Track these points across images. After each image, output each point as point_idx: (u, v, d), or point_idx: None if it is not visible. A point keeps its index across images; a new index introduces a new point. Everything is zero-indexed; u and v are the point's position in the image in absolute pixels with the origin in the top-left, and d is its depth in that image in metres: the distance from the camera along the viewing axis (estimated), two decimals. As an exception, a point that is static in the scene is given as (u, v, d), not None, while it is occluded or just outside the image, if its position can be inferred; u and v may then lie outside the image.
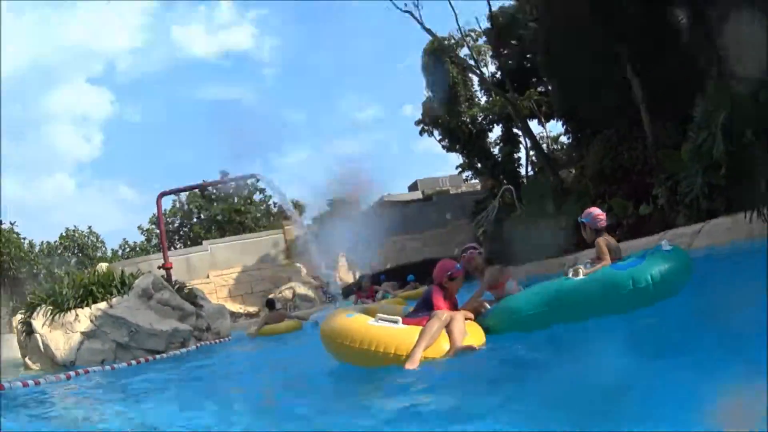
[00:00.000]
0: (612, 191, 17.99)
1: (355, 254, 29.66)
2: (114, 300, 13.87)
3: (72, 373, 10.10)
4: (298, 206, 37.84)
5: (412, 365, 5.81)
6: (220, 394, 7.07)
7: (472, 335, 6.50)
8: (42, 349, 12.94)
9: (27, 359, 13.55)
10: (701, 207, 12.30)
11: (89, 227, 49.07)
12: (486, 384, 5.13)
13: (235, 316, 19.98)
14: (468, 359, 5.98)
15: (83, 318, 13.25)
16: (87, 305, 13.68)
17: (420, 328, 6.27)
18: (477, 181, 33.91)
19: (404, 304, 11.45)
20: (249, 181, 43.26)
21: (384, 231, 29.96)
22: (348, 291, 23.06)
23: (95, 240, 49.21)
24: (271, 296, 21.36)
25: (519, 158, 29.39)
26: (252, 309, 24.93)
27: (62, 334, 13.01)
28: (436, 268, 7.24)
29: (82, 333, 13.05)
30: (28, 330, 13.51)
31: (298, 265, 28.19)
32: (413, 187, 41.76)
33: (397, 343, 6.09)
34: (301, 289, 26.00)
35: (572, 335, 6.44)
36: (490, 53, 29.39)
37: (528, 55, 27.83)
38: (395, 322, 6.46)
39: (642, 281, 6.34)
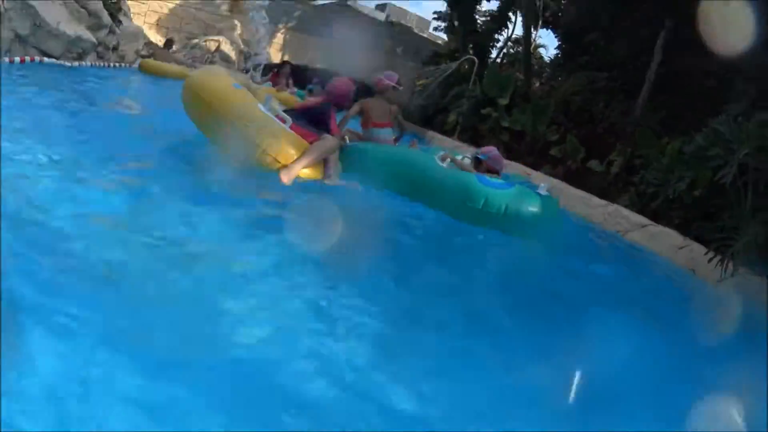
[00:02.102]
0: (568, 127, 17.68)
1: (294, 37, 28.41)
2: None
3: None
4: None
5: (287, 178, 5.59)
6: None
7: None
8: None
9: None
10: (651, 205, 12.13)
11: None
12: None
13: (150, 47, 18.79)
14: (339, 194, 5.94)
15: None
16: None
17: (305, 142, 6.01)
18: (443, 35, 32.75)
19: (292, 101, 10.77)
20: None
21: (330, 30, 28.95)
22: (268, 69, 22.07)
23: None
24: (195, 43, 20.41)
25: (497, 40, 28.43)
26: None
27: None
28: (339, 86, 7.06)
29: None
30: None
31: (235, 22, 26.48)
32: (381, 8, 40.04)
33: (281, 147, 5.72)
34: (226, 47, 24.51)
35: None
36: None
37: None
38: (285, 122, 6.07)
39: (494, 206, 6.29)
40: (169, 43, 16.94)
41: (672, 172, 11.43)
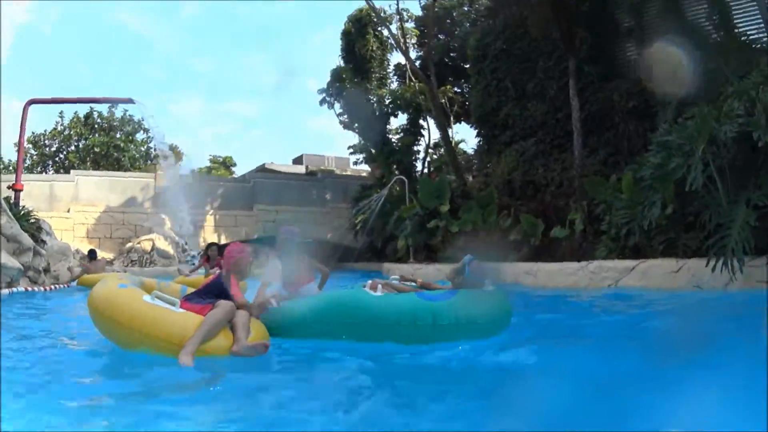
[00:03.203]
0: (518, 206, 17.00)
1: (224, 215, 28.08)
2: (-68, 218, 11.54)
3: None
4: (176, 152, 35.82)
5: (186, 360, 5.13)
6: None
7: (255, 333, 5.86)
8: None
9: None
10: (627, 243, 11.34)
11: (-37, 135, 45.34)
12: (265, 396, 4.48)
13: (85, 260, 18.05)
14: (248, 363, 5.35)
15: None
16: None
17: (199, 316, 5.64)
18: (365, 167, 32.57)
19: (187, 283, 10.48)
20: (132, 115, 41.20)
21: (258, 198, 28.72)
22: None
23: (-34, 150, 45.18)
24: (131, 246, 21.06)
25: (418, 151, 28.23)
26: (108, 255, 22.58)
27: None
28: (234, 252, 6.56)
29: None
30: None
31: (163, 216, 25.92)
32: (298, 161, 40.19)
33: (170, 329, 5.46)
34: (162, 243, 23.77)
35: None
36: (414, 40, 28.04)
37: (452, 54, 26.95)
38: (173, 303, 5.82)
39: (445, 318, 5.94)
40: (92, 253, 16.28)
41: (640, 203, 10.78)
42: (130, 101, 23.10)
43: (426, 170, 28.00)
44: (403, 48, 25.19)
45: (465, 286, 6.52)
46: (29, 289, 12.39)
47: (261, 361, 5.44)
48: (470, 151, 28.54)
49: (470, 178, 23.17)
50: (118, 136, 41.65)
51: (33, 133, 42.88)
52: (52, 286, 13.62)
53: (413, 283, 7.26)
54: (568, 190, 15.83)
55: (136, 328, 5.47)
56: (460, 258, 6.89)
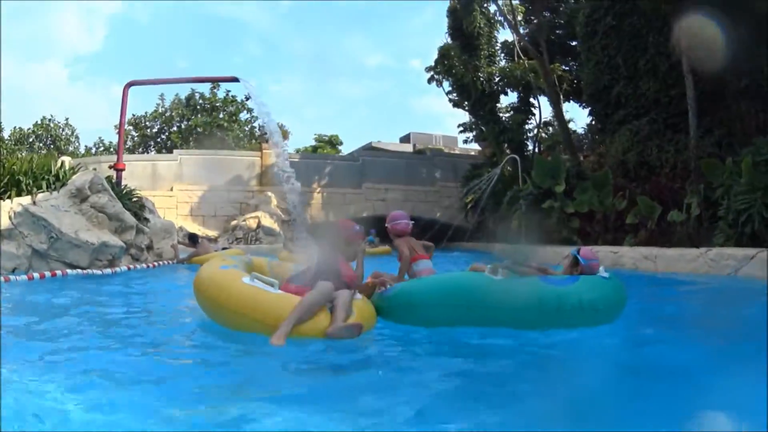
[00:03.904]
0: (632, 188, 16.61)
1: (332, 193, 28.42)
2: (40, 196, 11.72)
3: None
4: (282, 131, 36.23)
5: (277, 341, 5.01)
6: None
7: (360, 314, 5.66)
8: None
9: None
10: (745, 231, 10.97)
11: (66, 119, 47.05)
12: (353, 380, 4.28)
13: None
14: (345, 344, 5.16)
15: (2, 212, 11.05)
16: (10, 197, 11.49)
17: (297, 297, 5.47)
18: (475, 146, 32.37)
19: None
20: (242, 97, 41.55)
21: (367, 176, 28.87)
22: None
23: (70, 133, 47.12)
24: (235, 224, 21.42)
25: (529, 130, 27.89)
26: (211, 233, 23.08)
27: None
28: (342, 230, 6.43)
29: (-3, 231, 10.97)
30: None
31: (269, 193, 26.35)
32: (405, 140, 40.28)
33: (266, 310, 5.40)
34: (267, 221, 24.23)
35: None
36: (521, 17, 27.54)
37: (558, 31, 26.47)
38: (271, 285, 5.74)
39: (568, 304, 5.71)
40: (193, 237, 16.36)
41: (761, 188, 10.41)
42: (235, 80, 22.94)
43: (537, 149, 27.70)
44: (512, 23, 24.84)
45: (584, 273, 6.30)
46: (131, 267, 12.56)
47: (356, 345, 5.25)
48: (579, 131, 28.12)
49: (581, 158, 22.78)
50: (221, 116, 42.47)
51: (133, 115, 44.40)
52: (155, 263, 13.85)
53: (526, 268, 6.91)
54: (682, 172, 15.34)
55: (233, 308, 5.54)
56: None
